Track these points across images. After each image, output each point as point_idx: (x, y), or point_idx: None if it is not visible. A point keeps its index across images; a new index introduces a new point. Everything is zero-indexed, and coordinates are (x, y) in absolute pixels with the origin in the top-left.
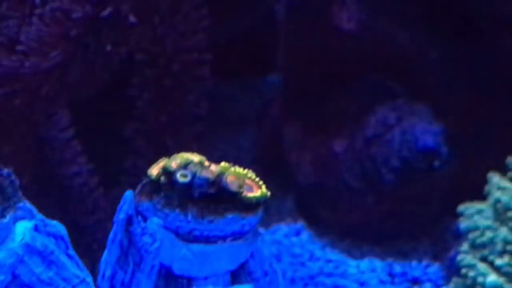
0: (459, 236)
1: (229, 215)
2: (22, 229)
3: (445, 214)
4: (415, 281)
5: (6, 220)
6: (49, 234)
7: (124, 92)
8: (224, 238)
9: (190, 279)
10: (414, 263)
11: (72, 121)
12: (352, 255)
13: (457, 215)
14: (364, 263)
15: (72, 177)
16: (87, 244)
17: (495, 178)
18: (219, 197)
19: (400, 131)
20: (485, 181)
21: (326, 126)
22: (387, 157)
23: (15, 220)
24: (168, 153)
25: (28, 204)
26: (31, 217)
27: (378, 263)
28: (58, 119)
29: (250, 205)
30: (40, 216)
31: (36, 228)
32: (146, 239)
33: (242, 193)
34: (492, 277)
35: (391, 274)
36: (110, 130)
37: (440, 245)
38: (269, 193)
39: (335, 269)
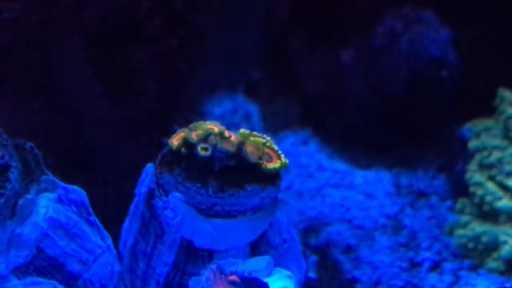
0: (465, 143)
1: (249, 187)
2: (45, 202)
3: (452, 122)
4: (421, 193)
5: (30, 195)
6: (71, 202)
7: (134, 15)
8: (244, 212)
9: (210, 252)
10: (420, 174)
11: (84, 45)
12: (358, 164)
13: (463, 123)
14: (371, 174)
15: (83, 101)
16: (99, 168)
17: (506, 93)
18: (239, 168)
19: (407, 41)
20: (491, 86)
21: (333, 36)
22: (395, 68)
23: (39, 193)
24: (178, 76)
25: (51, 176)
26: (54, 188)
27: (384, 174)
28: (69, 43)
29: (270, 176)
30: (61, 184)
31: (59, 199)
32: (168, 213)
33: (262, 164)
34: (504, 201)
35: (397, 186)
36: (120, 54)
37: (446, 154)
38: (288, 163)
39: (341, 180)
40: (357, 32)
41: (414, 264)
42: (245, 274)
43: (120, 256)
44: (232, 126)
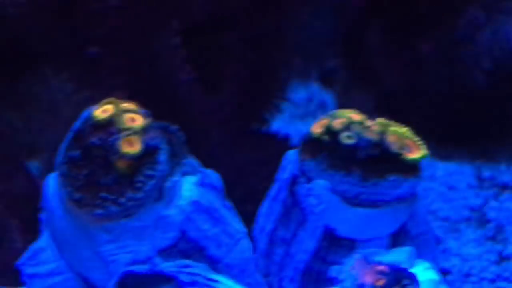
0: None
1: (391, 177)
2: (189, 185)
3: None
4: (505, 186)
5: (175, 177)
6: (209, 186)
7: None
8: (388, 202)
9: (353, 241)
10: (503, 166)
11: (180, 28)
12: (439, 156)
13: None
14: (452, 166)
15: (178, 86)
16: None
17: None
18: (381, 158)
19: (490, 31)
20: None
21: (411, 27)
22: (477, 59)
23: (182, 176)
24: (268, 62)
25: (192, 159)
26: (195, 171)
27: (466, 166)
28: (170, 30)
29: (411, 167)
30: (201, 169)
31: (201, 183)
32: (311, 200)
33: (403, 154)
34: None
35: (479, 178)
36: (211, 38)
37: None
38: (428, 153)
39: (423, 171)
40: (437, 23)
41: (503, 258)
42: (390, 264)
43: (254, 242)
44: (308, 114)
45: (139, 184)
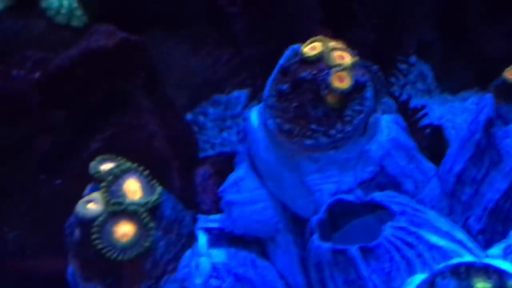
0: None
1: None
2: (388, 123)
3: None
4: None
5: (377, 113)
6: (402, 127)
7: None
8: None
9: None
10: None
11: None
12: None
13: None
14: None
15: None
16: None
17: None
18: None
19: None
20: None
21: None
22: None
23: (382, 113)
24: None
25: (389, 99)
26: (391, 110)
27: None
28: None
29: None
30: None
31: (396, 121)
32: (508, 142)
33: None
34: None
35: None
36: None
37: None
38: None
39: None
40: None
41: None
42: None
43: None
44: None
45: (349, 118)
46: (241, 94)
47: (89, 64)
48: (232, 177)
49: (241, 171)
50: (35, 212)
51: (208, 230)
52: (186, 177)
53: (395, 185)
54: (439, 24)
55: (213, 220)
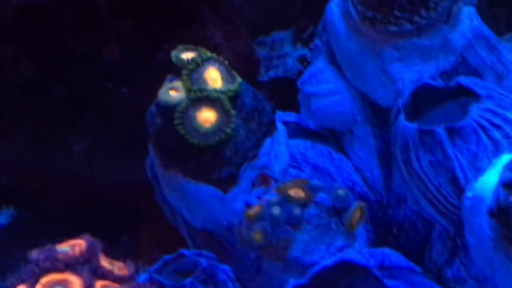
0: None
1: None
2: (469, 14)
3: None
4: None
5: (459, 3)
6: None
7: None
8: None
9: None
10: None
11: None
12: None
13: None
14: None
15: None
16: None
17: None
18: None
19: None
20: None
21: None
22: None
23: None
24: None
25: None
26: (472, 3)
27: None
28: None
29: None
30: None
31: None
32: None
33: None
34: None
35: None
36: None
37: None
38: None
39: None
40: None
41: None
42: None
43: None
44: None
45: (433, 5)
46: (285, 35)
47: None
48: (310, 70)
49: (319, 63)
50: (102, 122)
51: (284, 123)
52: None
53: (476, 76)
54: None
55: (289, 115)
